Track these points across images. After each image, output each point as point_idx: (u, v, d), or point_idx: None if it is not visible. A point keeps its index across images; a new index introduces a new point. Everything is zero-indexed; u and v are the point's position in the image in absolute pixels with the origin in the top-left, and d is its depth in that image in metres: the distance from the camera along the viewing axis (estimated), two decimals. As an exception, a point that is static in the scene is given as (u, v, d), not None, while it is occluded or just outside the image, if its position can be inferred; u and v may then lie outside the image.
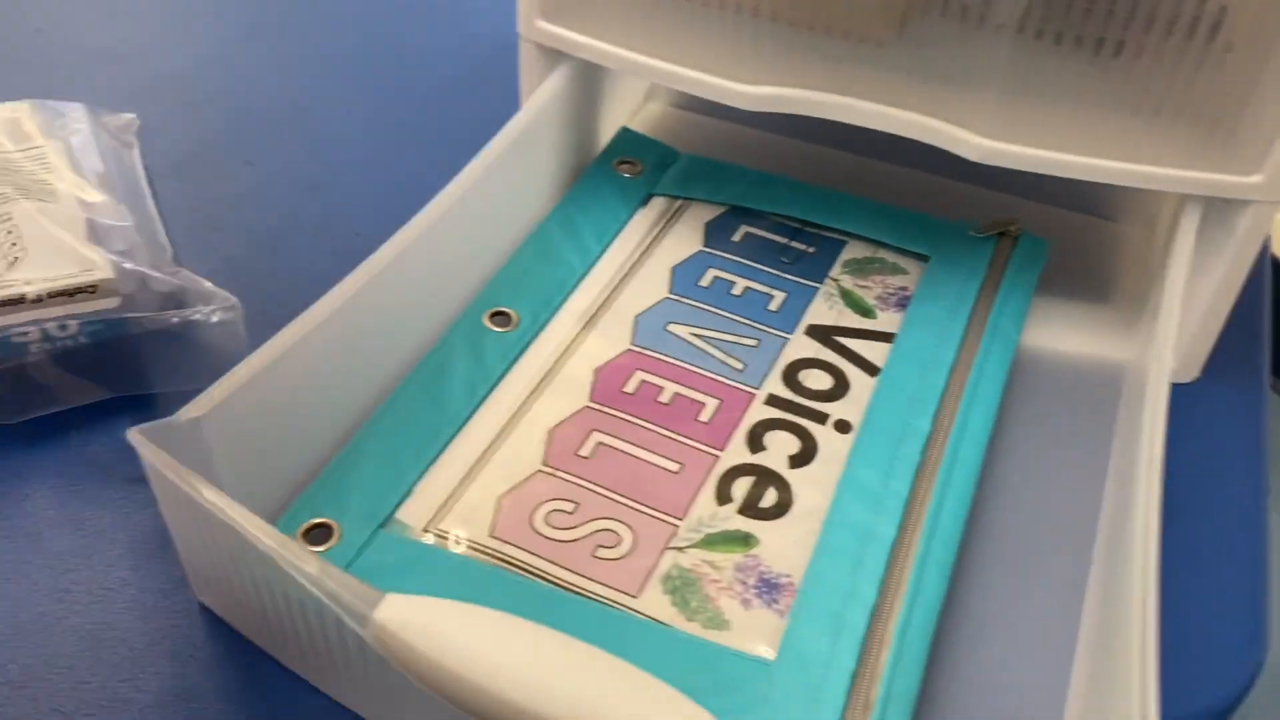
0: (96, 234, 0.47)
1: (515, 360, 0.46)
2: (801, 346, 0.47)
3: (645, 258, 0.51)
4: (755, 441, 0.43)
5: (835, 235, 0.53)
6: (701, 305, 0.49)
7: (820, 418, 0.44)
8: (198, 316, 0.44)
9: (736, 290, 0.50)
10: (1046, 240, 0.52)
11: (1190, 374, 0.50)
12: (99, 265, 0.45)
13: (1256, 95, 0.41)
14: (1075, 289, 0.52)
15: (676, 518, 0.40)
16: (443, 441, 0.42)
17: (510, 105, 0.52)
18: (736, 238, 0.53)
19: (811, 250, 0.52)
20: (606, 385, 0.45)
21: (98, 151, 0.53)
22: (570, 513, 0.40)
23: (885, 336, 0.48)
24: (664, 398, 0.45)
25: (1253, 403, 0.49)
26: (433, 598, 0.30)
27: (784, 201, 0.54)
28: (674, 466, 0.42)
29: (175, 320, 0.44)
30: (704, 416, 0.44)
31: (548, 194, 0.54)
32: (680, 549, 0.39)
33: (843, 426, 0.44)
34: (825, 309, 0.49)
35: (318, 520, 0.39)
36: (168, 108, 0.63)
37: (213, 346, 0.44)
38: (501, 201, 0.49)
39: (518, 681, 0.29)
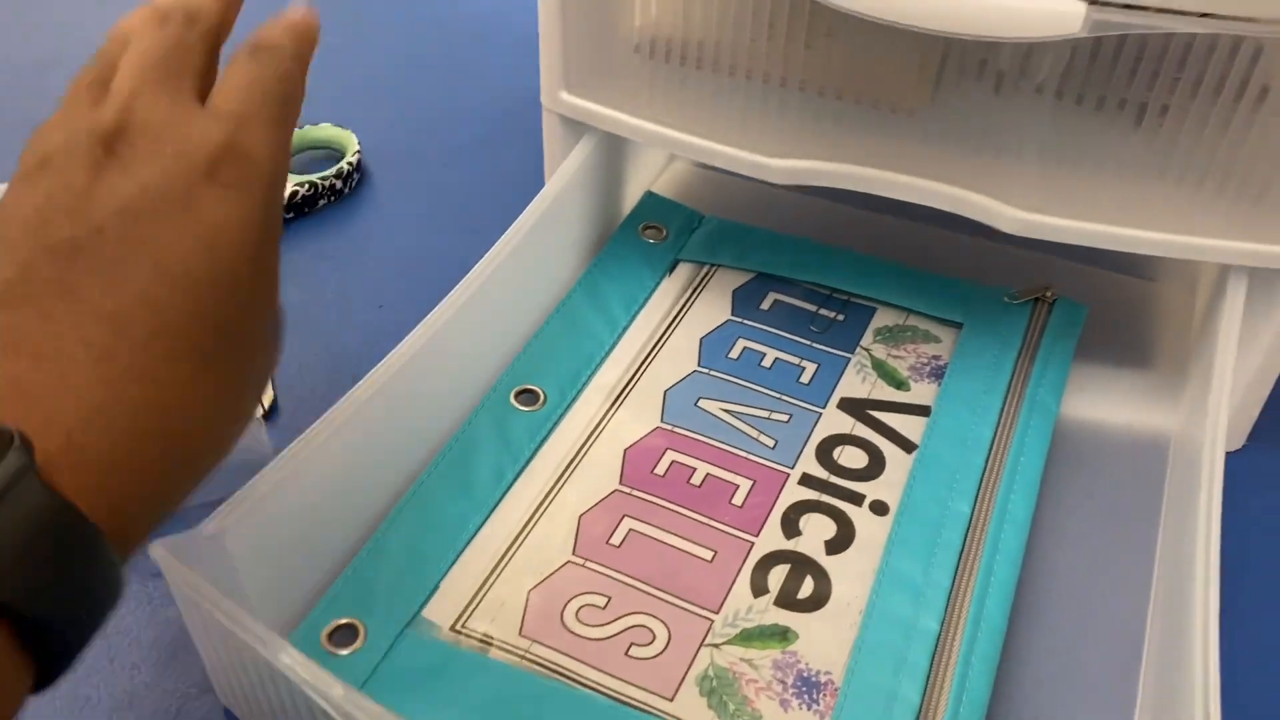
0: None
1: (544, 441, 0.45)
2: (835, 421, 0.46)
3: (674, 328, 0.50)
4: (790, 526, 0.42)
5: (865, 302, 0.52)
6: (732, 378, 0.48)
7: (856, 499, 0.43)
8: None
9: (766, 362, 0.49)
10: (1084, 305, 0.51)
11: (1236, 442, 0.48)
12: None
13: None
14: (1115, 354, 0.51)
15: (712, 611, 0.39)
16: (470, 531, 0.41)
17: (531, 165, 0.51)
18: (765, 305, 0.52)
19: (841, 318, 0.51)
20: (637, 467, 0.44)
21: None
22: (602, 608, 0.39)
23: (921, 410, 0.47)
24: (696, 479, 0.44)
25: (1301, 471, 0.48)
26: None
27: (812, 268, 0.53)
28: (708, 555, 0.41)
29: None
30: (737, 499, 0.43)
31: (574, 264, 0.53)
32: (717, 645, 0.38)
33: (880, 508, 0.43)
34: (858, 381, 0.48)
35: (343, 620, 0.38)
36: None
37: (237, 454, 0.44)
38: (529, 277, 0.48)
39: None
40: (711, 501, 0.43)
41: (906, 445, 0.45)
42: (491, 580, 0.40)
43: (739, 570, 0.40)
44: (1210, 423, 0.38)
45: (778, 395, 0.47)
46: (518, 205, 0.48)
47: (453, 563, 0.40)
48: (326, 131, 0.64)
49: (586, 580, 0.40)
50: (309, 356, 0.52)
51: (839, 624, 0.39)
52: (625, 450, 0.45)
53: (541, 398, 0.46)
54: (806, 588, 0.40)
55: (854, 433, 0.46)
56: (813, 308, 0.52)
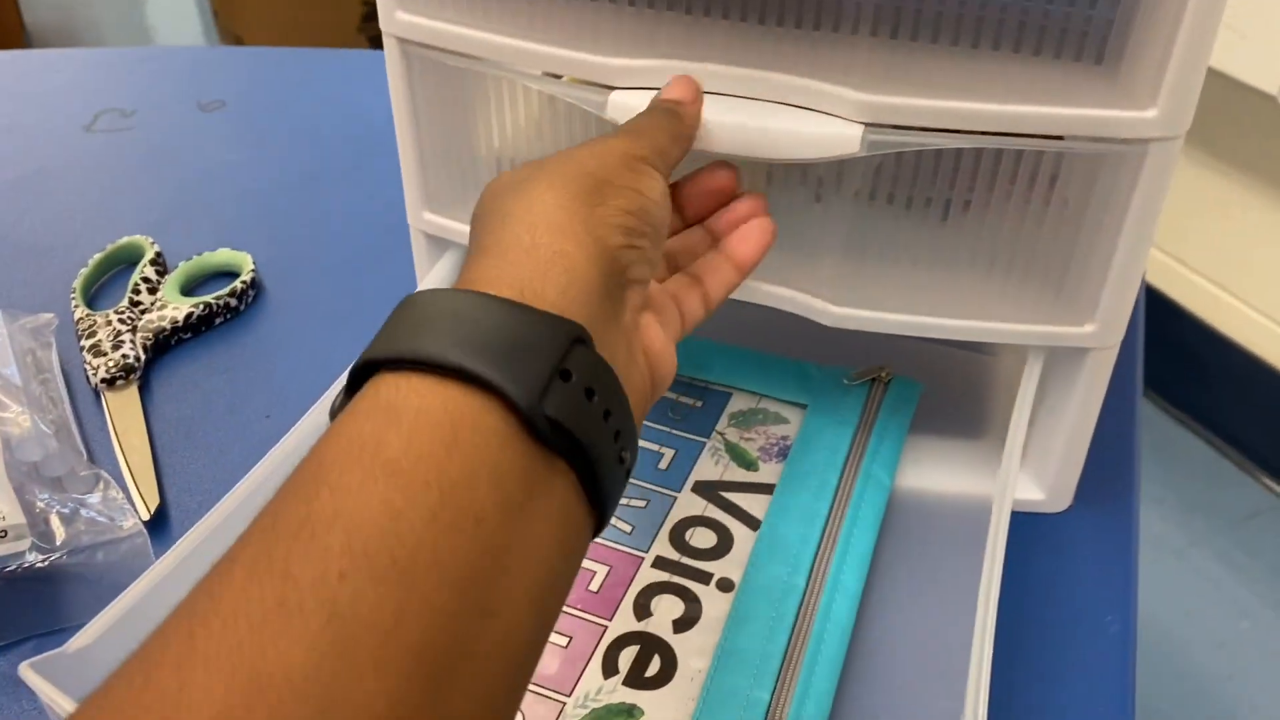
0: (10, 448, 0.49)
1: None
2: (689, 504, 0.50)
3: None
4: (642, 608, 0.45)
5: (721, 388, 0.56)
6: (594, 470, 0.51)
7: (705, 577, 0.47)
8: (106, 541, 0.46)
9: (627, 452, 0.52)
10: (919, 383, 0.55)
11: (1062, 503, 0.52)
12: (9, 511, 0.47)
13: (1083, 246, 0.44)
14: (950, 425, 0.55)
15: (564, 694, 0.42)
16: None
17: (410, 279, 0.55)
18: (628, 397, 0.55)
19: (699, 404, 0.55)
20: (501, 560, 0.47)
21: (14, 358, 0.55)
22: (462, 697, 0.42)
23: (767, 489, 0.50)
24: (556, 568, 0.47)
25: (1123, 528, 0.52)
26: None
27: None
28: (563, 640, 0.44)
29: (82, 555, 0.46)
30: (594, 585, 0.46)
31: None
32: (567, 726, 0.41)
33: (725, 585, 0.46)
34: (711, 464, 0.52)
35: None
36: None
37: (122, 568, 0.46)
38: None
39: None
40: (570, 588, 0.46)
41: (752, 523, 0.49)
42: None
43: (592, 653, 0.44)
44: (998, 487, 0.42)
45: (636, 482, 0.51)
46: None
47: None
48: (222, 256, 0.68)
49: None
50: (198, 468, 0.55)
51: (681, 698, 0.42)
52: (492, 544, 0.48)
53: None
54: (654, 666, 0.43)
55: (705, 514, 0.49)
56: (673, 396, 0.56)
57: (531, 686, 0.42)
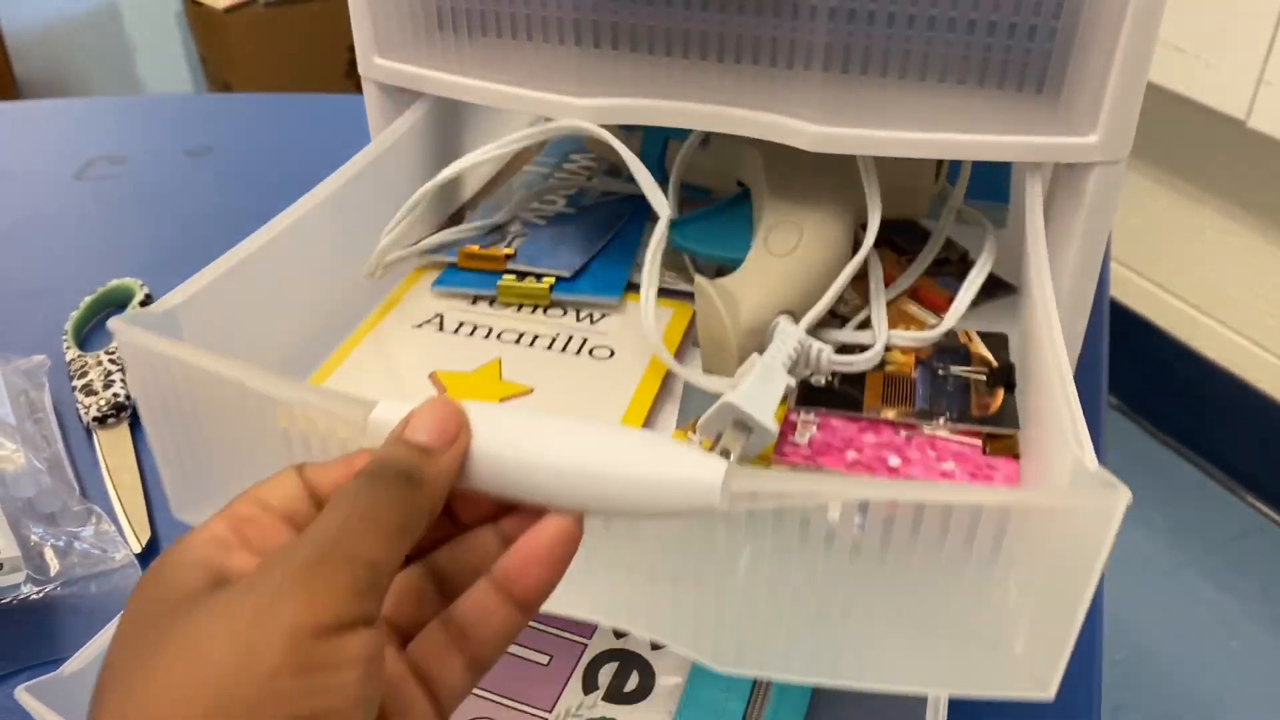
0: (5, 484, 0.51)
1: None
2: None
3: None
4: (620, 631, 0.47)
5: None
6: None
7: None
8: (99, 573, 0.48)
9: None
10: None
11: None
12: (4, 545, 0.48)
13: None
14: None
15: (546, 711, 0.43)
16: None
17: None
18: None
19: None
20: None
21: (8, 399, 0.57)
22: (445, 715, 0.43)
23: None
24: (537, 590, 0.48)
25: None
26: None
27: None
28: (544, 659, 0.45)
29: (76, 586, 0.48)
30: (573, 606, 0.48)
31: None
32: (548, 741, 0.42)
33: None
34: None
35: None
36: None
37: (115, 598, 0.48)
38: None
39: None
40: (550, 609, 0.47)
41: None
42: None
43: (572, 671, 0.45)
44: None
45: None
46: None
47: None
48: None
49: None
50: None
51: (659, 711, 0.43)
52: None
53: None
54: (633, 681, 0.45)
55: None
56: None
57: (512, 704, 0.44)
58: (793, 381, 0.40)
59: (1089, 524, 0.29)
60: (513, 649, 0.46)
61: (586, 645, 0.46)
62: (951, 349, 0.46)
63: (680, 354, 0.48)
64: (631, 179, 0.45)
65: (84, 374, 0.62)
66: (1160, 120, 1.42)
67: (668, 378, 0.45)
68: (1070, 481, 0.31)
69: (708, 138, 0.53)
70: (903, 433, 0.41)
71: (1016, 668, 0.33)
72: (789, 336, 0.42)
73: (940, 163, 0.53)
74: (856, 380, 0.44)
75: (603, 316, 0.49)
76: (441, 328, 0.48)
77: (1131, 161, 0.43)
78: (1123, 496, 0.28)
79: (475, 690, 0.44)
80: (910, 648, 0.34)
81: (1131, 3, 0.39)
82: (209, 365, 0.33)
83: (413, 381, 0.45)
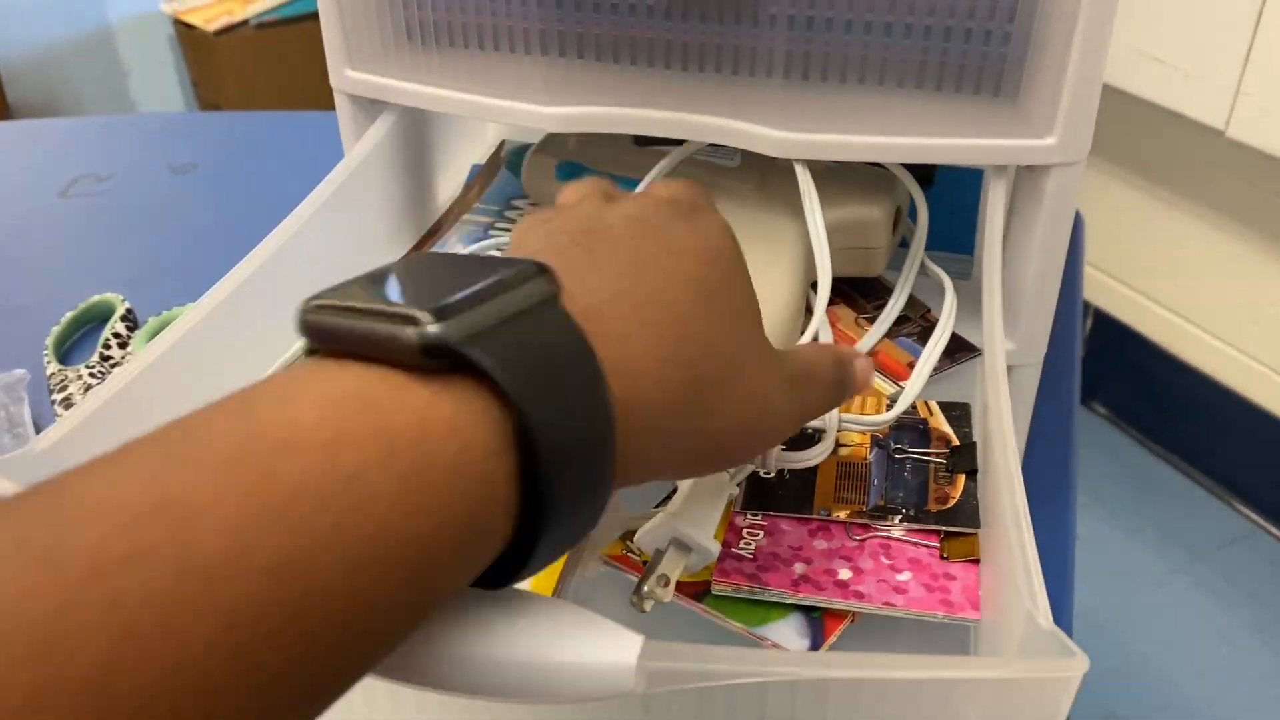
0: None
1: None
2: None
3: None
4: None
5: None
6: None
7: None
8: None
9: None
10: None
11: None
12: None
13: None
14: None
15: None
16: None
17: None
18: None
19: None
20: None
21: (-12, 413, 0.57)
22: None
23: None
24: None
25: (1059, 544, 0.53)
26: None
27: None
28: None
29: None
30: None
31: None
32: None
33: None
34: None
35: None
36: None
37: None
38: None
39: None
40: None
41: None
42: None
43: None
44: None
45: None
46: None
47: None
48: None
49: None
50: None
51: None
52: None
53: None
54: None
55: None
56: None
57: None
58: (736, 489, 0.39)
59: (1043, 692, 0.27)
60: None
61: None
62: (910, 425, 0.44)
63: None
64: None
65: (64, 388, 0.63)
66: (1141, 130, 1.43)
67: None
68: (1021, 643, 0.29)
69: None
70: (855, 536, 0.40)
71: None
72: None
73: (896, 220, 0.51)
74: (808, 468, 0.42)
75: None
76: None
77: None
78: (1079, 665, 0.25)
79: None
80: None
81: (1084, 7, 0.40)
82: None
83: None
